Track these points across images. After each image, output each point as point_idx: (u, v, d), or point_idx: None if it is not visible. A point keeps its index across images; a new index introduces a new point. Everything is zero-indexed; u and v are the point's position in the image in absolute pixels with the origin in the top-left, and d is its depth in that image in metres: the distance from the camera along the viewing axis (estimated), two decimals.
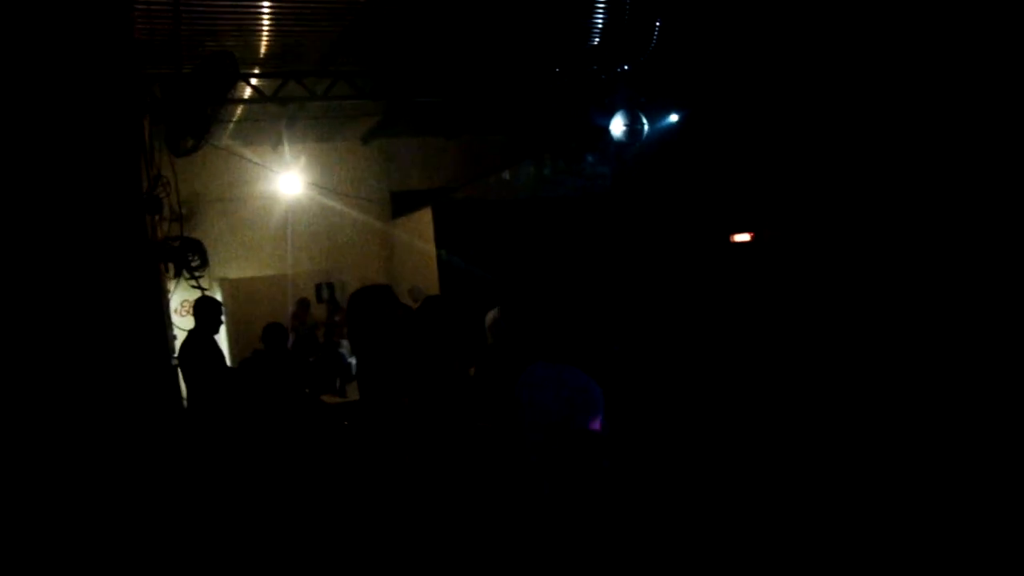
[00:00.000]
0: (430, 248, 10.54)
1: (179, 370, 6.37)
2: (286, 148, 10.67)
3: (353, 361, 8.92)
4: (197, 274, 6.20)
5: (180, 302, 9.17)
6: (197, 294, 6.63)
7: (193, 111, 6.09)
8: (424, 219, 10.86)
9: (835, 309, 7.86)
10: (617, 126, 8.57)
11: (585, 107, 8.96)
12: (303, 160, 11.06)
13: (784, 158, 8.72)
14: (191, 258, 6.14)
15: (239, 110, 9.21)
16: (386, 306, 3.73)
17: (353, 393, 7.73)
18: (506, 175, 11.32)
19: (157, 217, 6.19)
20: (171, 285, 6.37)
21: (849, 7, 7.39)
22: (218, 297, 10.68)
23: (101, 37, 3.13)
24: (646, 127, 8.54)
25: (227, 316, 9.89)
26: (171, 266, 6.23)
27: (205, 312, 6.72)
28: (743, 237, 9.98)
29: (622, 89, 8.66)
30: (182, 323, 7.39)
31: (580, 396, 3.65)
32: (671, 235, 9.96)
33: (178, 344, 7.17)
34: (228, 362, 8.50)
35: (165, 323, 6.10)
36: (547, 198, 10.98)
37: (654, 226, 10.01)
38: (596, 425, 3.62)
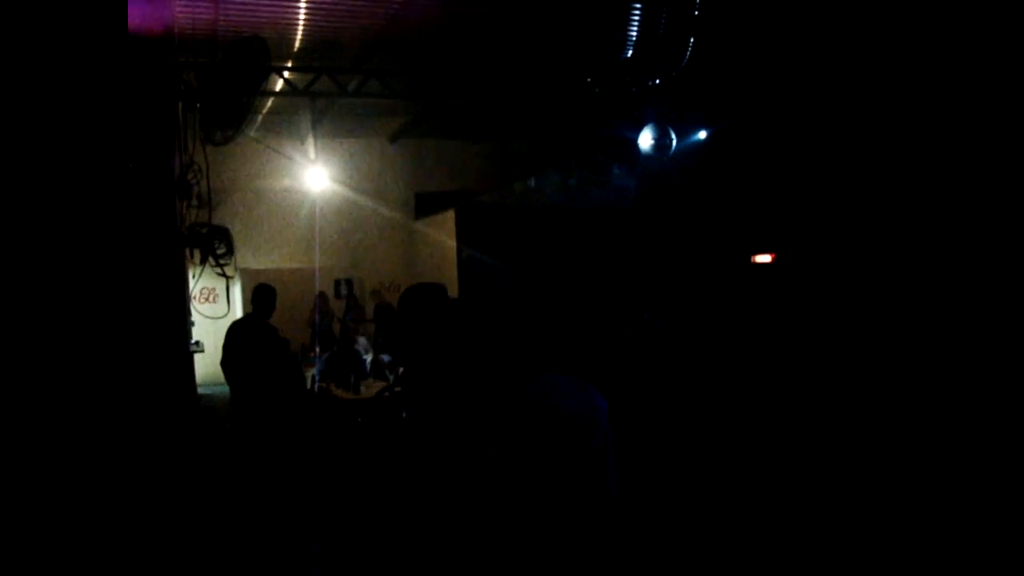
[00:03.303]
0: (451, 250, 10.56)
1: (227, 355, 6.37)
2: (313, 143, 10.70)
3: (368, 358, 8.93)
4: (223, 262, 6.24)
5: (200, 289, 9.21)
6: (221, 281, 6.67)
7: (227, 101, 6.14)
8: (447, 221, 10.89)
9: (854, 338, 7.82)
10: (646, 140, 8.52)
11: (614, 119, 8.94)
12: (329, 155, 11.08)
13: (809, 183, 8.69)
14: (217, 246, 6.18)
15: (269, 102, 9.26)
16: (440, 304, 3.72)
17: (367, 391, 7.75)
18: (531, 182, 11.33)
19: (186, 203, 6.23)
20: (195, 271, 6.41)
21: (876, 33, 7.37)
22: (238, 287, 10.73)
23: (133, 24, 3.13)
24: (674, 142, 8.49)
25: (244, 307, 9.94)
26: (196, 252, 6.27)
27: (263, 298, 6.65)
28: (764, 258, 9.95)
29: (652, 103, 8.64)
30: (203, 310, 7.44)
31: (588, 413, 3.55)
32: (693, 253, 9.93)
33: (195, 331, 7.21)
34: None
35: (186, 309, 6.14)
36: (571, 208, 10.97)
37: (677, 243, 9.99)
38: (598, 440, 3.44)
